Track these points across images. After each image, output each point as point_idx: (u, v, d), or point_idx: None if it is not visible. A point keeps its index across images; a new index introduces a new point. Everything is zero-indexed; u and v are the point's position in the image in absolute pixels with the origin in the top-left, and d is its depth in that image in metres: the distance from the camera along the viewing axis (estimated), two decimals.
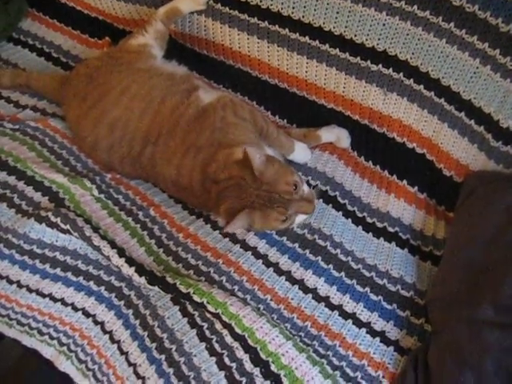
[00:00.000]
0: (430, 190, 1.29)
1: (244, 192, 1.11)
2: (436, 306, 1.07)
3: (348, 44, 1.22)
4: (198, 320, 1.05)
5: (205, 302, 1.04)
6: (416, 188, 1.30)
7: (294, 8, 1.25)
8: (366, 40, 1.19)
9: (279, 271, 1.15)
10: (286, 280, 1.13)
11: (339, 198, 1.29)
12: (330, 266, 1.16)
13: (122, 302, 1.12)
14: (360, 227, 1.25)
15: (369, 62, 1.22)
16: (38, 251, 1.19)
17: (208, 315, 1.04)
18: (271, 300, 1.09)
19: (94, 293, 1.14)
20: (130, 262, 1.13)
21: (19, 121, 1.44)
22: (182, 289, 1.07)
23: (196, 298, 1.05)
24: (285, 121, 1.48)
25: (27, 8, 1.74)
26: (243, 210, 1.09)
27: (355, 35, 1.20)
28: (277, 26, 1.30)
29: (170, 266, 1.16)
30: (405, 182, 1.31)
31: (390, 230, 1.24)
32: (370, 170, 1.36)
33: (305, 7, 1.23)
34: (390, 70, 1.20)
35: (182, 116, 1.25)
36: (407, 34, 1.14)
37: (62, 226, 1.16)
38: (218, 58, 1.48)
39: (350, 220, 1.26)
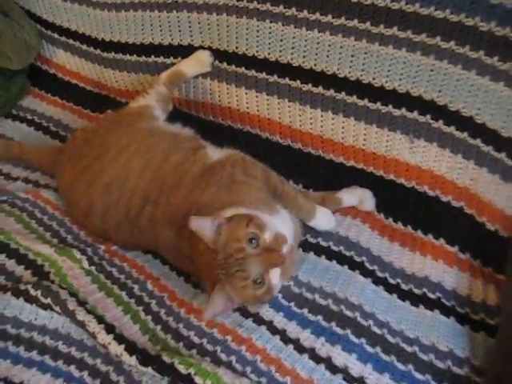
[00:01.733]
0: (473, 248, 1.10)
1: (212, 268, 0.95)
2: None
3: (366, 89, 1.12)
4: None
5: None
6: (456, 247, 1.11)
7: (304, 57, 1.17)
8: (386, 82, 1.08)
9: (300, 348, 0.94)
10: (310, 358, 0.92)
11: (367, 264, 1.11)
12: (362, 339, 0.96)
13: None
14: (394, 295, 1.05)
15: (390, 106, 1.10)
16: (12, 331, 0.99)
17: None
18: (292, 383, 0.89)
19: (74, 379, 0.93)
20: (120, 339, 0.94)
21: (8, 192, 1.32)
22: (181, 369, 0.87)
23: (198, 381, 0.85)
24: (300, 185, 1.32)
25: (29, 86, 1.70)
26: (213, 289, 0.94)
27: (373, 78, 1.10)
28: (287, 78, 1.21)
29: (168, 344, 0.97)
30: (442, 241, 1.12)
31: (431, 296, 1.03)
32: (399, 231, 1.18)
33: (316, 54, 1.15)
34: (415, 113, 1.08)
35: (187, 172, 1.12)
36: (431, 70, 1.03)
37: (43, 299, 0.99)
38: (225, 123, 1.38)
39: (381, 287, 1.07)
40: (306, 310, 1.01)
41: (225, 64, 1.30)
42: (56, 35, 1.64)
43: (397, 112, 1.10)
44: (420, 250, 1.13)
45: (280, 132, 1.29)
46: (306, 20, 1.14)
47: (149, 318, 1.02)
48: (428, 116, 1.07)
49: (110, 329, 0.95)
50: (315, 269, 1.10)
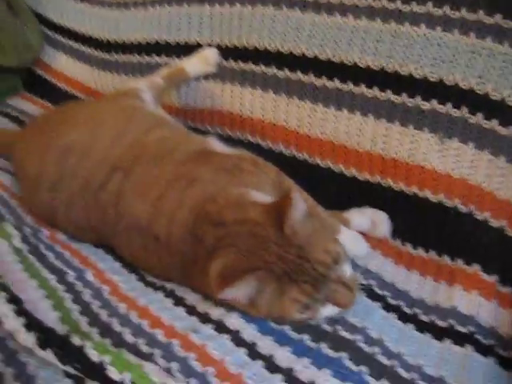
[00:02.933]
0: None
1: (261, 247, 0.70)
2: None
3: (390, 80, 0.93)
4: None
5: (127, 381, 0.56)
6: (496, 277, 0.84)
7: (321, 46, 1.01)
8: (416, 69, 0.90)
9: (272, 367, 0.66)
10: (284, 381, 0.64)
11: (376, 289, 0.84)
12: (362, 367, 0.67)
13: None
14: (410, 325, 0.77)
15: (419, 98, 0.91)
16: None
17: None
18: None
19: None
20: (22, 314, 0.67)
21: None
22: (93, 356, 0.60)
23: (113, 373, 0.57)
24: None
25: (21, 88, 1.58)
26: (255, 271, 0.68)
27: (401, 66, 0.92)
28: (299, 72, 1.04)
29: (91, 338, 0.69)
30: (477, 267, 0.85)
31: (460, 329, 0.75)
32: (420, 259, 0.92)
33: (336, 42, 0.98)
34: (449, 105, 0.88)
35: (179, 146, 0.92)
36: (472, 52, 0.86)
37: None
38: (224, 133, 1.20)
39: (392, 314, 0.79)
40: (287, 328, 0.75)
41: (231, 62, 1.15)
42: (59, 37, 1.56)
43: (426, 105, 0.90)
44: (447, 280, 0.86)
45: (285, 140, 1.09)
46: (327, 3, 1.01)
47: (75, 307, 0.75)
48: (465, 109, 0.87)
49: (12, 300, 0.69)
50: None
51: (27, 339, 0.63)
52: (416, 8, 0.90)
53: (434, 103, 0.89)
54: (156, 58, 1.30)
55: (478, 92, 0.86)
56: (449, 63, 0.88)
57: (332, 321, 0.75)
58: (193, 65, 1.21)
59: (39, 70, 1.66)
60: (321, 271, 0.69)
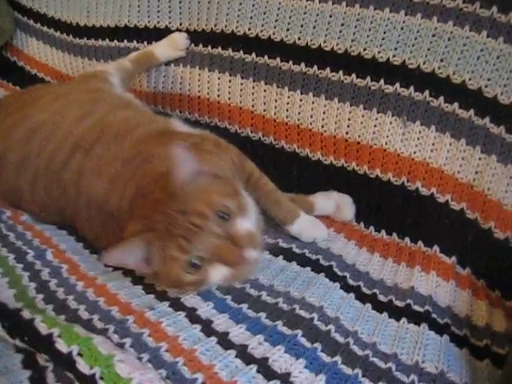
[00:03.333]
0: (477, 262, 0.84)
1: (155, 210, 0.70)
2: None
3: (354, 62, 0.94)
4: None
5: (74, 353, 0.56)
6: (454, 259, 0.85)
7: (288, 30, 1.01)
8: (379, 53, 0.91)
9: (227, 343, 0.66)
10: (237, 357, 0.64)
11: (336, 270, 0.85)
12: (317, 345, 0.67)
13: None
14: (368, 305, 0.78)
15: (382, 81, 0.92)
16: None
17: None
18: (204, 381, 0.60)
19: None
20: None
21: None
22: (42, 328, 0.59)
23: (61, 345, 0.57)
24: None
25: None
26: (139, 234, 0.69)
27: (364, 49, 0.92)
28: (266, 57, 1.04)
29: (43, 313, 0.68)
30: (436, 249, 0.87)
31: (417, 309, 0.76)
32: (382, 241, 0.93)
33: (302, 26, 0.99)
34: (411, 89, 0.89)
35: (140, 126, 0.91)
36: (434, 36, 0.86)
37: None
38: (192, 117, 1.19)
39: (352, 295, 0.79)
40: (245, 306, 0.74)
41: (200, 46, 1.15)
42: (30, 21, 1.54)
43: (389, 88, 0.91)
44: (407, 261, 0.87)
45: (251, 124, 1.09)
46: None
47: (32, 284, 0.75)
48: (427, 92, 0.87)
49: None
50: (268, 267, 0.84)
51: None
52: None
53: (397, 86, 0.90)
54: (126, 43, 1.29)
55: (440, 75, 0.87)
56: (411, 46, 0.88)
57: (290, 300, 0.76)
58: (162, 49, 1.20)
59: (10, 55, 1.64)
60: (196, 223, 0.67)
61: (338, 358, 0.66)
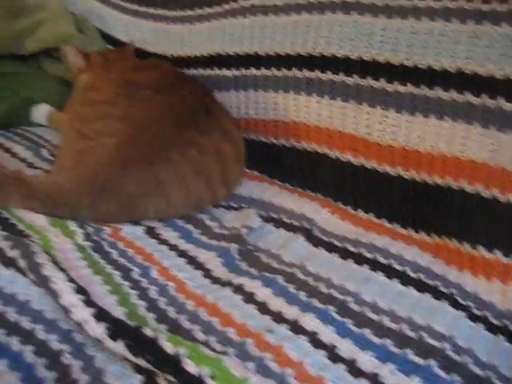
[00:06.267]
0: None
1: None
2: None
3: (468, 79, 0.87)
4: None
5: (205, 375, 0.52)
6: None
7: (393, 50, 0.97)
8: (500, 70, 0.84)
9: (357, 372, 0.61)
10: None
11: (458, 298, 0.78)
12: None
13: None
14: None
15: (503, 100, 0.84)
16: None
17: None
18: None
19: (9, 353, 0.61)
20: (90, 305, 0.64)
21: None
22: (167, 347, 0.55)
23: (190, 366, 0.53)
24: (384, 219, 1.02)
25: None
26: None
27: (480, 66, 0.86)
28: (369, 78, 0.99)
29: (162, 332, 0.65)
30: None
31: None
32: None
33: (410, 46, 0.94)
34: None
35: None
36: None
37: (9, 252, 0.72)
38: (288, 144, 1.15)
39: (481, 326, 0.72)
40: (368, 331, 0.68)
41: (293, 70, 1.10)
42: None
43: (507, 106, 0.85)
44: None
45: (353, 148, 1.04)
46: (399, 7, 0.96)
47: (142, 303, 0.71)
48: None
49: (80, 291, 0.66)
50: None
51: (96, 330, 0.59)
52: None
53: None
54: (218, 71, 1.27)
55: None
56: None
57: (415, 326, 0.70)
58: None
59: None
60: None
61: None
